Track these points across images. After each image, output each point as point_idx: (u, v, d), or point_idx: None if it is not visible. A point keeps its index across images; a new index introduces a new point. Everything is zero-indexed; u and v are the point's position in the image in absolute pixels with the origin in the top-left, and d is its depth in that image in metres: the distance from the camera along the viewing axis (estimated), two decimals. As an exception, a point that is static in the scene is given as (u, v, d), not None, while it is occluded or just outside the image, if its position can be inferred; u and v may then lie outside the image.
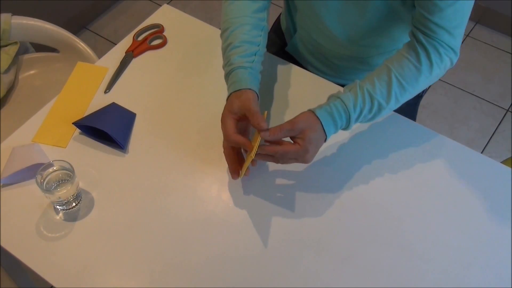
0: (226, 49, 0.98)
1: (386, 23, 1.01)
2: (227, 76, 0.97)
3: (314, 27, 1.11)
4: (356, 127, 1.04)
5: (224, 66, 0.98)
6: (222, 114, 0.92)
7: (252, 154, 0.84)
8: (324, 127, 0.88)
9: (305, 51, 1.20)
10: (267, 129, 0.86)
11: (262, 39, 1.01)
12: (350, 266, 0.87)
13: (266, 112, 0.96)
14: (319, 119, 0.88)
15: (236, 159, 0.93)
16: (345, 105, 0.89)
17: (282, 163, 0.89)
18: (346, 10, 1.00)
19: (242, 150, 0.96)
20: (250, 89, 0.92)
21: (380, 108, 0.91)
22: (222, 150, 0.99)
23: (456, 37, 0.91)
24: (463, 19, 0.90)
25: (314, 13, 1.05)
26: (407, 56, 0.92)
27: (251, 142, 0.89)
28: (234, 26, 0.98)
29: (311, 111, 0.89)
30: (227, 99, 0.94)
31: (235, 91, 0.92)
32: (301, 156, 0.87)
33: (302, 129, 0.87)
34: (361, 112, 0.90)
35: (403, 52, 0.93)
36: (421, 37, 0.91)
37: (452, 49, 0.92)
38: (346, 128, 0.92)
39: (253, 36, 0.98)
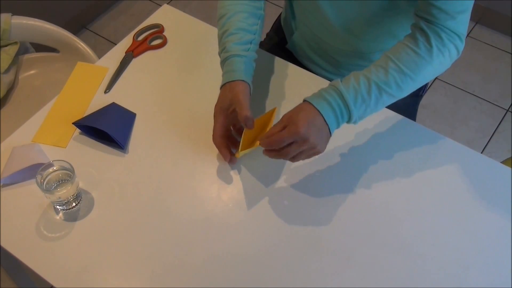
0: (222, 36, 0.99)
1: (386, 16, 1.01)
2: (222, 62, 0.98)
3: (316, 22, 1.11)
4: (358, 126, 1.04)
5: (219, 53, 0.99)
6: (215, 109, 0.95)
7: (240, 150, 0.92)
8: (312, 102, 0.87)
9: (306, 47, 1.21)
10: (251, 120, 0.89)
11: (258, 28, 1.01)
12: (350, 266, 0.87)
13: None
14: (305, 101, 0.88)
15: (226, 145, 0.95)
16: (334, 85, 0.88)
17: (292, 156, 0.87)
18: (347, 1, 1.00)
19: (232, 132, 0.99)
20: (243, 80, 0.93)
21: (380, 90, 0.88)
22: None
23: (460, 22, 0.89)
24: (467, 6, 0.87)
25: (316, 6, 1.06)
26: (405, 42, 0.91)
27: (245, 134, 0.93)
28: (230, 13, 0.99)
29: None
30: (221, 88, 0.96)
31: (229, 81, 0.93)
32: (296, 134, 0.83)
33: (288, 116, 0.87)
34: (356, 92, 0.87)
35: (402, 40, 0.93)
36: (422, 24, 0.90)
37: (456, 35, 0.89)
38: (349, 112, 0.87)
39: (249, 24, 0.99)
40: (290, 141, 0.85)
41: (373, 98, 0.88)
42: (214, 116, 0.95)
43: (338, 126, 0.90)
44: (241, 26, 0.98)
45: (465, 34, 0.92)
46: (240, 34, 0.97)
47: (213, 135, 0.95)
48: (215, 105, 0.96)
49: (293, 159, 0.88)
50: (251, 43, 0.98)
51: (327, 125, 0.87)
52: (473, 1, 0.88)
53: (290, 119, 0.86)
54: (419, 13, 0.91)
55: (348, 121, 0.90)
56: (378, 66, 0.90)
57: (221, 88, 0.96)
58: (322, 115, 0.86)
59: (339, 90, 0.87)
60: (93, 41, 2.35)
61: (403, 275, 0.86)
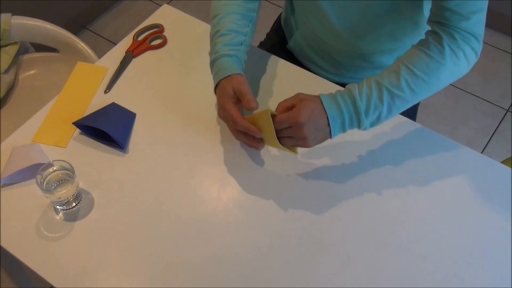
0: (214, 36, 0.99)
1: (387, 18, 1.01)
2: (212, 63, 0.98)
3: (316, 22, 1.11)
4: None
5: (210, 53, 0.99)
6: (220, 102, 0.93)
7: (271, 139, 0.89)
8: (323, 103, 0.87)
9: (307, 48, 1.21)
10: (255, 101, 0.89)
11: (249, 30, 1.02)
12: (350, 266, 0.87)
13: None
14: (320, 98, 0.88)
15: (249, 135, 0.92)
16: (350, 91, 0.88)
17: (283, 136, 0.88)
18: (348, 1, 1.00)
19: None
20: (239, 73, 0.94)
21: (392, 96, 0.87)
22: (222, 149, 1.00)
23: (475, 23, 0.87)
24: (481, 5, 0.86)
25: (317, 7, 1.06)
26: (417, 46, 0.90)
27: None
28: (223, 13, 0.99)
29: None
30: (215, 88, 0.95)
31: (225, 77, 0.93)
32: (294, 118, 0.85)
33: (301, 98, 0.88)
34: (368, 99, 0.87)
35: (416, 44, 0.92)
36: (436, 28, 0.89)
37: (472, 35, 0.87)
38: (359, 121, 0.87)
39: (241, 25, 0.99)
40: (286, 126, 0.87)
41: (385, 104, 0.87)
42: (224, 109, 0.91)
43: (344, 131, 0.90)
44: (232, 27, 0.98)
45: (482, 34, 0.89)
46: (231, 35, 0.98)
47: (236, 124, 0.90)
48: (219, 103, 0.93)
49: (281, 139, 0.89)
50: (241, 45, 0.98)
51: (330, 128, 0.88)
52: (487, 1, 0.86)
53: (300, 103, 0.87)
54: (432, 18, 0.90)
55: (359, 128, 0.90)
56: (390, 71, 0.90)
57: (216, 88, 0.95)
58: (326, 114, 0.87)
59: (353, 97, 0.87)
60: (93, 41, 2.35)
61: (403, 275, 0.86)
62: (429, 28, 0.93)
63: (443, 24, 0.88)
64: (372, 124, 0.89)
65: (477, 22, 0.87)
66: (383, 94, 0.87)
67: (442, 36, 0.88)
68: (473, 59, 0.91)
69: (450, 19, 0.87)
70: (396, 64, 0.90)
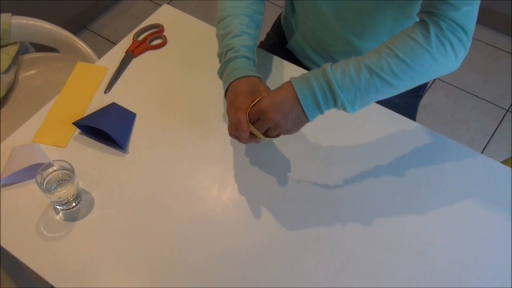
0: (226, 36, 0.97)
1: (384, 15, 1.01)
2: (229, 61, 0.94)
3: (316, 21, 1.11)
4: (357, 125, 1.04)
5: (224, 53, 0.96)
6: (234, 102, 0.89)
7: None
8: (292, 82, 0.85)
9: (307, 47, 1.21)
10: None
11: (257, 33, 1.01)
12: (350, 266, 0.87)
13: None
14: (290, 80, 0.86)
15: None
16: (322, 67, 0.85)
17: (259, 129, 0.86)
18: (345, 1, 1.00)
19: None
20: (259, 77, 0.93)
21: (371, 73, 0.83)
22: (222, 149, 1.00)
23: (464, 15, 0.84)
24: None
25: (315, 6, 1.06)
26: (403, 31, 0.87)
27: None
28: (233, 16, 0.99)
29: None
30: (231, 83, 0.91)
31: (245, 76, 0.91)
32: (258, 108, 0.84)
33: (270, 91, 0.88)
34: (343, 72, 0.83)
35: (402, 30, 0.89)
36: (424, 17, 0.87)
37: (460, 27, 0.85)
38: (333, 95, 0.83)
39: (251, 28, 0.99)
40: (257, 118, 0.86)
41: (363, 80, 0.83)
42: (236, 117, 0.87)
43: (319, 108, 0.85)
44: (245, 30, 0.98)
45: (472, 29, 0.87)
46: (246, 36, 0.97)
47: (234, 129, 0.88)
48: (232, 102, 0.89)
49: (266, 135, 0.88)
50: (253, 49, 0.98)
51: (301, 106, 0.84)
52: None
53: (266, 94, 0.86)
54: (422, 9, 0.89)
55: (336, 105, 0.85)
56: (372, 52, 0.86)
57: (233, 81, 0.91)
58: (294, 87, 0.84)
59: (325, 71, 0.84)
60: (93, 41, 2.35)
61: (403, 275, 0.86)
62: None
63: (431, 13, 0.85)
64: (351, 103, 0.84)
65: (467, 14, 0.85)
66: (361, 70, 0.83)
67: (429, 23, 0.85)
68: (462, 53, 0.88)
69: (439, 8, 0.84)
70: (379, 46, 0.87)
